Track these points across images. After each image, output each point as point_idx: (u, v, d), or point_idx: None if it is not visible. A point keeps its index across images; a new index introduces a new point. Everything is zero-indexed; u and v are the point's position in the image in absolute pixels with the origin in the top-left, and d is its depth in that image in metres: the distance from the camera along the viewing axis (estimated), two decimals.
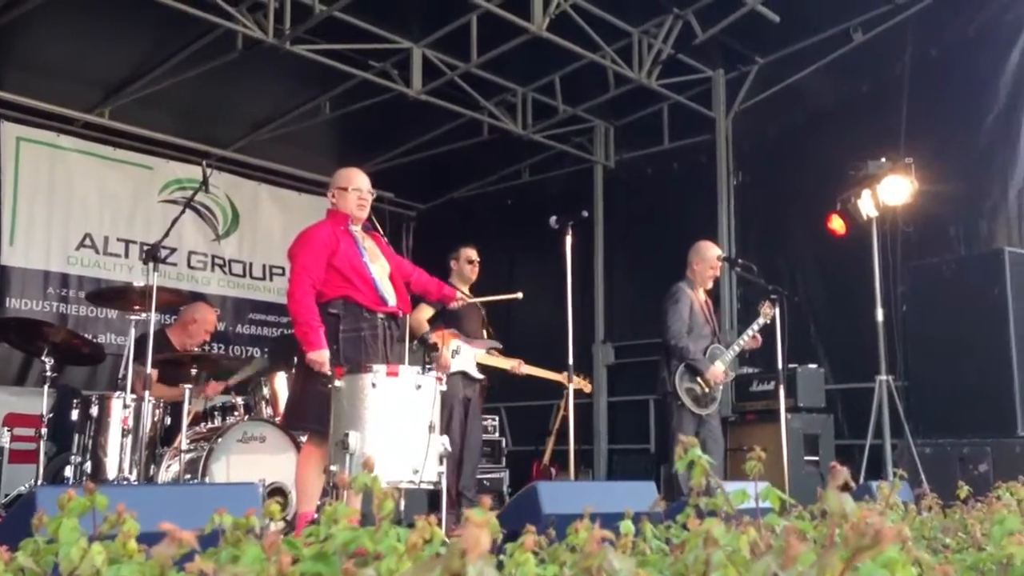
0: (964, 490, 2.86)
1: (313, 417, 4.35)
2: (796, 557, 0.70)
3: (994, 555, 1.18)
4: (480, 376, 6.19)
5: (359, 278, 4.48)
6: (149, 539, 1.52)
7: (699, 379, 5.80)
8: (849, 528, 0.71)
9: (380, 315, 4.51)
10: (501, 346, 6.34)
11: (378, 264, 4.64)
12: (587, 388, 6.06)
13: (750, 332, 5.96)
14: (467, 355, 6.03)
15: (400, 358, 4.61)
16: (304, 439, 4.93)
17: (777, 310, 5.85)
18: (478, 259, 6.41)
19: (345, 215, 4.61)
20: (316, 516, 4.36)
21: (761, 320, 5.92)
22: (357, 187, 4.63)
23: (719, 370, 5.83)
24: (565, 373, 6.04)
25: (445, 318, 6.08)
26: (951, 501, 3.01)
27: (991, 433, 5.74)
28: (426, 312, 6.08)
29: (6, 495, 5.55)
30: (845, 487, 2.00)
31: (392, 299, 4.60)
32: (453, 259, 6.43)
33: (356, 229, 4.64)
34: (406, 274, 4.90)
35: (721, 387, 5.97)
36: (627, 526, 1.61)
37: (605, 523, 2.33)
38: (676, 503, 2.88)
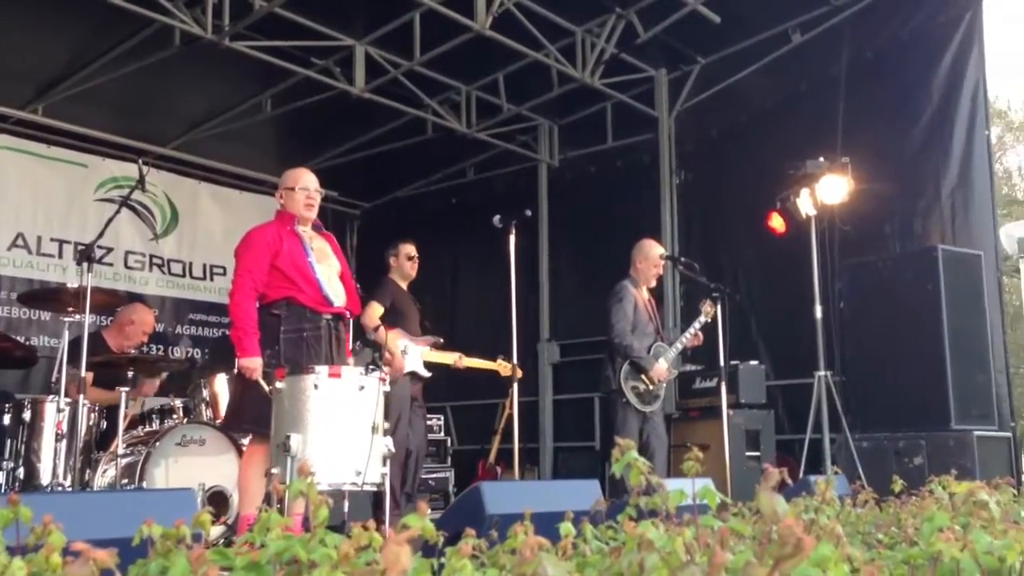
0: (898, 484, 2.91)
1: (252, 419, 4.31)
2: (720, 565, 0.70)
3: (925, 551, 1.20)
4: (427, 374, 6.17)
5: (303, 279, 4.43)
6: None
7: (643, 377, 5.84)
8: (777, 534, 0.71)
9: (325, 316, 4.46)
10: (442, 340, 6.33)
11: (326, 264, 4.58)
12: (519, 373, 6.03)
13: (692, 330, 6.03)
14: (414, 354, 5.99)
15: (345, 361, 4.55)
16: (246, 441, 4.86)
17: (719, 308, 5.93)
18: (417, 255, 6.36)
19: (292, 215, 4.57)
20: (257, 520, 4.30)
21: (702, 318, 6.00)
22: (304, 186, 4.58)
23: (663, 368, 5.88)
24: (500, 360, 6.12)
25: (394, 309, 6.05)
26: (887, 494, 3.07)
27: (925, 427, 5.87)
28: (377, 311, 6.02)
29: None
30: (782, 484, 2.03)
31: (339, 300, 4.55)
32: (392, 255, 6.35)
33: (304, 229, 4.59)
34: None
35: (664, 385, 6.02)
36: (567, 527, 1.60)
37: (548, 523, 2.32)
38: (618, 502, 2.90)
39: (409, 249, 6.34)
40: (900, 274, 6.30)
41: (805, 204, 6.55)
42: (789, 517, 0.90)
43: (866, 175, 6.69)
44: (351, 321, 4.73)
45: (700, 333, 6.02)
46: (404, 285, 6.30)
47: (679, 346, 6.02)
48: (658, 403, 5.94)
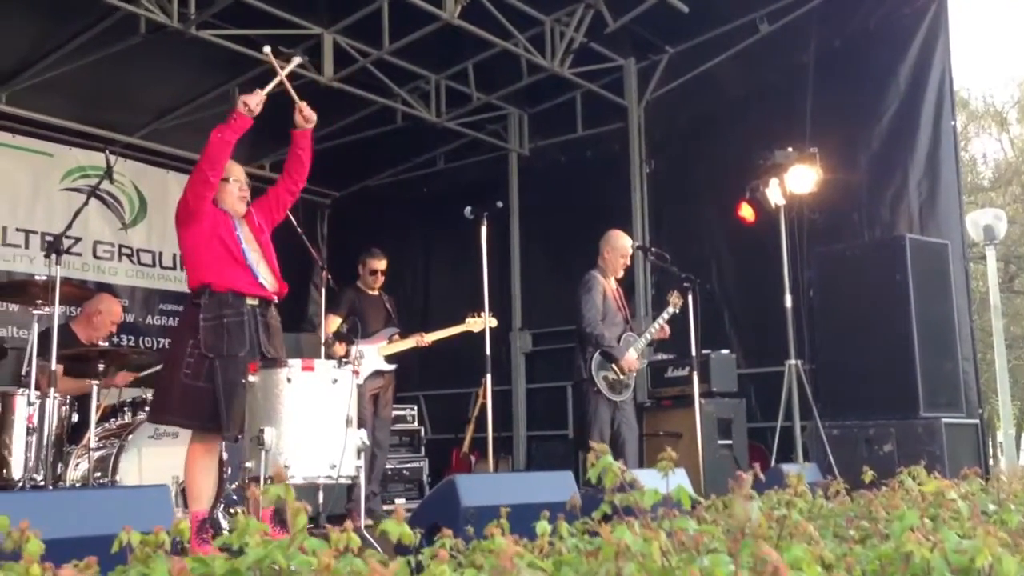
0: (869, 475, 2.96)
1: (177, 410, 4.25)
2: None
3: (896, 551, 1.23)
4: (389, 368, 6.23)
5: (234, 261, 4.34)
6: (57, 546, 1.48)
7: (614, 366, 5.86)
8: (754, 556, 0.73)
9: (248, 301, 4.33)
10: (398, 330, 6.37)
11: (252, 247, 4.49)
12: (493, 323, 6.06)
13: (658, 323, 6.05)
14: (371, 353, 6.05)
15: (278, 348, 4.48)
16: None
17: (690, 297, 5.96)
18: (381, 269, 6.42)
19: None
20: (208, 516, 4.28)
21: (670, 309, 6.04)
22: (237, 178, 4.55)
23: (633, 357, 5.91)
24: (469, 319, 6.19)
25: (350, 316, 6.18)
26: (858, 481, 3.11)
27: (895, 414, 5.95)
28: (333, 323, 6.14)
29: None
30: (754, 479, 2.05)
31: (269, 284, 4.45)
32: (360, 263, 6.50)
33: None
34: (270, 202, 4.72)
35: (635, 374, 6.05)
36: (543, 526, 1.62)
37: (523, 515, 2.34)
38: (593, 496, 2.91)
39: (373, 264, 6.45)
40: (868, 263, 6.37)
41: (774, 194, 6.60)
42: (761, 524, 0.91)
43: (834, 164, 6.75)
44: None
45: (667, 326, 6.04)
46: (368, 290, 6.41)
47: (647, 337, 6.05)
48: (628, 392, 5.97)
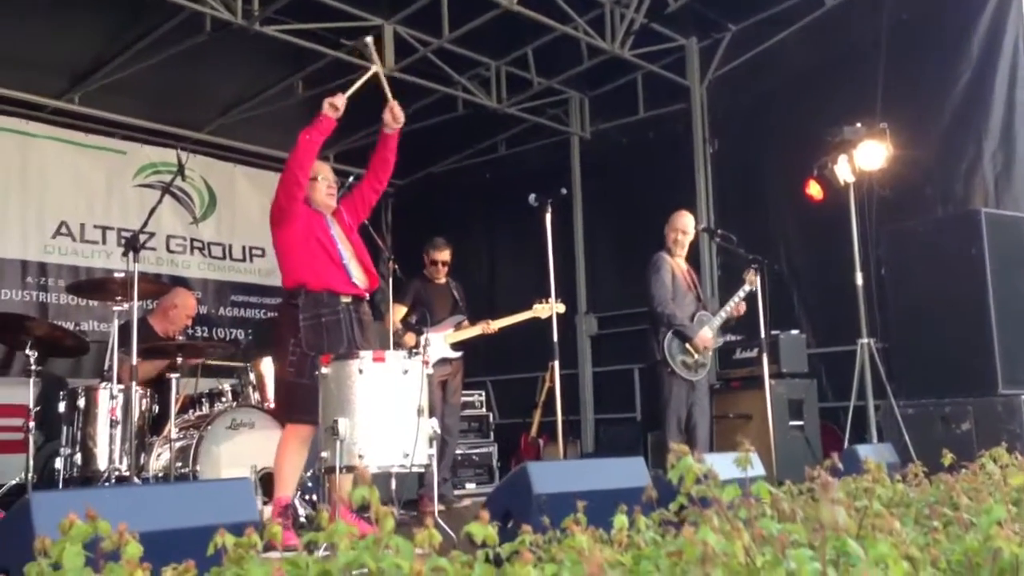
0: (948, 458, 2.91)
1: (284, 407, 4.41)
2: None
3: (984, 545, 1.22)
4: (456, 355, 6.28)
5: (329, 260, 4.43)
6: (146, 540, 1.53)
7: (688, 346, 5.82)
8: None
9: (343, 299, 4.43)
10: (465, 317, 6.41)
11: (345, 246, 4.60)
12: (561, 308, 6.06)
13: (735, 300, 5.98)
14: (437, 341, 6.11)
15: (371, 341, 4.58)
16: None
17: (757, 279, 5.90)
18: (442, 260, 6.46)
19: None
20: (291, 502, 4.40)
21: (747, 287, 5.95)
22: (325, 176, 4.63)
23: (708, 335, 5.85)
24: (537, 305, 6.11)
25: (416, 306, 6.24)
26: (935, 460, 3.06)
27: (972, 392, 5.82)
28: (399, 312, 6.21)
29: None
30: (833, 470, 2.04)
31: (360, 281, 4.55)
32: (424, 253, 6.56)
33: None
34: (356, 201, 4.82)
35: (710, 353, 6.00)
36: (621, 520, 1.63)
37: (595, 501, 2.35)
38: (664, 479, 2.91)
39: (435, 254, 6.49)
40: (942, 238, 6.23)
41: (843, 171, 6.48)
42: (849, 527, 0.91)
43: (905, 139, 6.59)
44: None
45: (743, 303, 5.98)
46: (434, 279, 6.46)
47: (723, 315, 5.99)
48: (703, 372, 5.91)
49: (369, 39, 4.74)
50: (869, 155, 6.43)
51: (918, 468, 2.90)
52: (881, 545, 1.14)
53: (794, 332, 6.84)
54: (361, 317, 4.54)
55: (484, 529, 1.17)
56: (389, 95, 4.59)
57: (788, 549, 0.97)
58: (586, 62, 8.31)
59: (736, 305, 5.99)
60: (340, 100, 4.40)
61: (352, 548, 1.13)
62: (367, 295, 4.62)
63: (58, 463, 5.26)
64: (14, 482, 5.39)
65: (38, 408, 5.33)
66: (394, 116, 4.60)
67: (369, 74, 4.57)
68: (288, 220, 4.44)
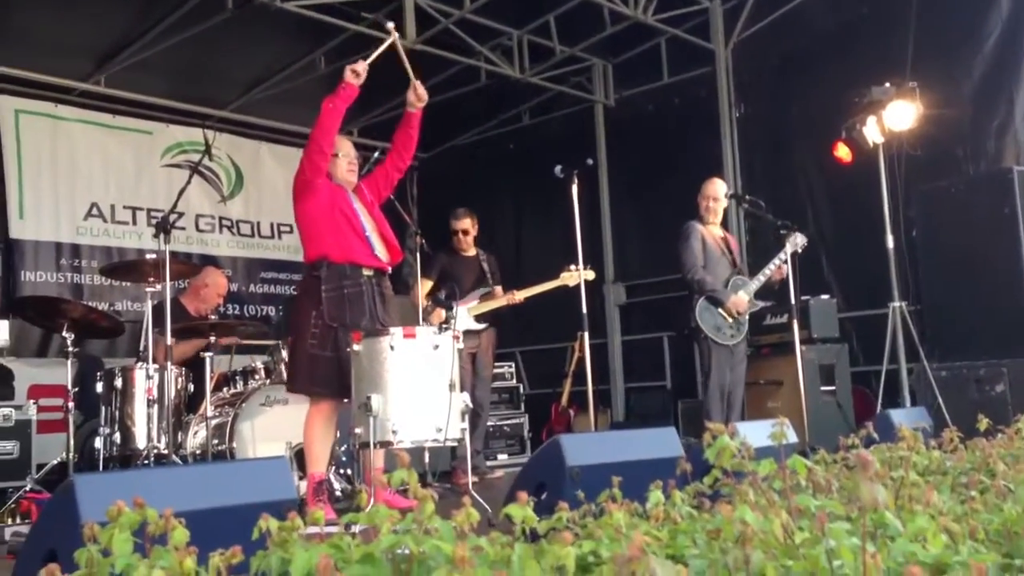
0: (984, 423, 2.89)
1: (305, 378, 4.42)
2: None
3: (1022, 515, 1.22)
4: (481, 326, 6.27)
5: (352, 232, 4.48)
6: (188, 519, 1.57)
7: (720, 310, 5.79)
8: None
9: (365, 271, 4.47)
10: (490, 287, 6.38)
11: (368, 219, 4.64)
12: (590, 275, 6.02)
13: (776, 262, 5.89)
14: (461, 314, 6.10)
15: (392, 315, 4.61)
16: None
17: (787, 244, 5.85)
18: (462, 229, 6.45)
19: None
20: (325, 477, 4.46)
21: (788, 248, 5.87)
22: (346, 152, 4.66)
23: (743, 299, 5.81)
24: (565, 272, 6.04)
25: (443, 279, 6.23)
26: (969, 423, 3.04)
27: (1007, 353, 5.77)
28: (425, 287, 6.21)
29: (39, 466, 5.67)
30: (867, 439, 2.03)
31: (383, 254, 4.58)
32: (450, 224, 6.54)
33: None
34: (379, 179, 4.85)
35: (745, 317, 5.93)
36: (656, 496, 1.64)
37: (629, 473, 2.36)
38: (696, 447, 2.90)
39: (455, 224, 6.47)
40: (974, 198, 6.16)
41: (872, 132, 6.41)
42: (889, 504, 0.92)
43: (935, 98, 6.50)
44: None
45: (786, 265, 5.89)
46: (462, 251, 6.44)
47: (761, 279, 5.90)
48: (741, 336, 5.86)
49: (391, 24, 4.75)
50: (899, 115, 6.35)
51: (953, 433, 2.89)
52: (919, 519, 1.14)
53: (824, 297, 6.80)
54: (383, 291, 4.58)
55: (523, 510, 1.18)
56: (412, 75, 4.60)
57: (827, 530, 0.98)
58: (609, 28, 8.22)
59: (778, 267, 5.91)
60: (362, 66, 4.44)
61: (394, 530, 1.15)
62: (389, 269, 4.65)
63: (97, 442, 5.36)
64: (56, 461, 5.50)
65: (76, 389, 5.42)
66: (418, 95, 4.63)
67: (388, 43, 4.58)
68: (311, 192, 4.48)
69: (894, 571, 1.01)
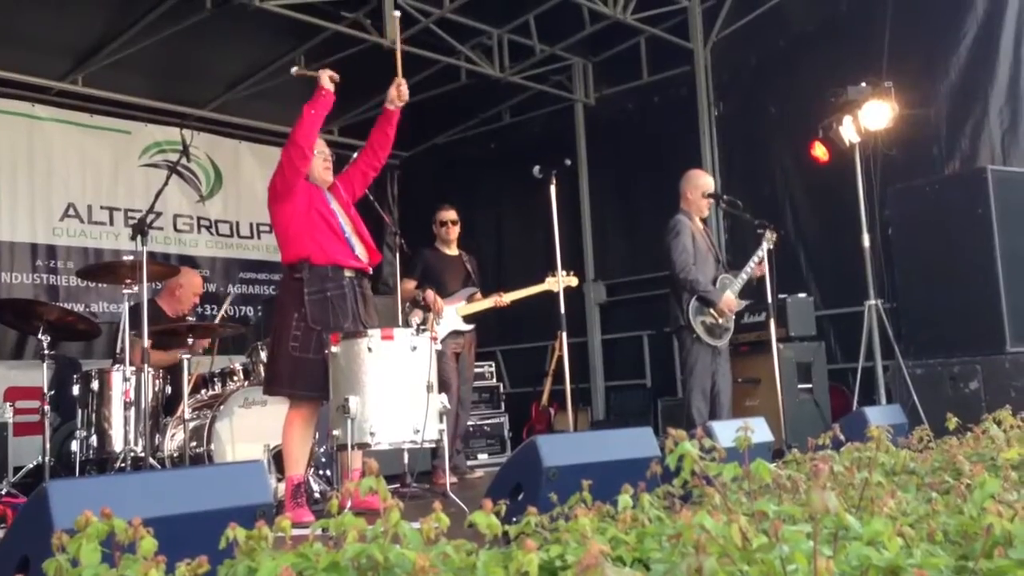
0: (952, 422, 2.93)
1: (287, 381, 4.41)
2: None
3: (978, 520, 1.24)
4: (467, 327, 6.27)
5: (331, 232, 4.48)
6: (162, 525, 1.57)
7: (711, 311, 5.71)
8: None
9: (347, 273, 4.47)
10: (477, 289, 6.41)
11: (346, 220, 4.64)
12: (574, 282, 6.10)
13: (755, 260, 5.86)
14: (449, 314, 6.11)
15: (373, 316, 4.61)
16: None
17: (764, 243, 5.87)
18: (451, 219, 6.45)
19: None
20: (303, 479, 4.46)
21: (765, 245, 5.84)
22: (320, 150, 4.66)
23: (732, 299, 5.74)
24: (550, 278, 6.10)
25: (427, 278, 6.22)
26: (943, 421, 3.07)
27: (980, 351, 5.82)
28: (408, 286, 6.21)
29: (15, 469, 5.63)
30: (835, 441, 2.06)
31: (362, 254, 4.59)
32: (433, 220, 6.54)
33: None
34: (353, 177, 4.86)
35: (733, 317, 5.87)
36: (625, 500, 1.66)
37: (604, 474, 2.38)
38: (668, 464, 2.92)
39: (442, 215, 6.46)
40: (949, 197, 6.19)
41: (848, 131, 6.45)
42: (840, 515, 0.94)
43: (910, 98, 6.56)
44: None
45: (764, 263, 5.85)
46: (445, 249, 6.43)
47: (744, 277, 5.85)
48: (727, 337, 5.81)
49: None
50: (874, 115, 6.40)
51: (923, 432, 2.93)
52: (876, 522, 1.16)
53: (801, 295, 6.85)
54: (364, 292, 4.57)
55: (487, 518, 1.20)
56: (399, 73, 4.62)
57: (783, 535, 0.99)
58: (588, 27, 8.26)
59: (758, 265, 5.89)
60: (333, 74, 4.46)
61: (361, 538, 1.16)
62: (370, 269, 4.65)
63: (74, 445, 5.34)
64: (32, 464, 5.47)
65: (52, 391, 5.39)
66: (399, 93, 4.62)
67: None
68: (291, 195, 4.47)
69: (848, 575, 1.04)
